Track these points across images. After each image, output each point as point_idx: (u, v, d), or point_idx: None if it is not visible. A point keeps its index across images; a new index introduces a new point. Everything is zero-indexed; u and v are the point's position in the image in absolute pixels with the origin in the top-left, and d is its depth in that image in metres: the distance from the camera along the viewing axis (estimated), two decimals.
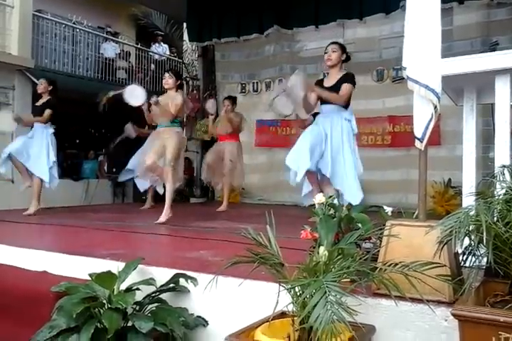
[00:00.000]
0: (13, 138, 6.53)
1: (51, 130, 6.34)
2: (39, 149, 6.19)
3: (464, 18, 7.18)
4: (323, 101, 4.72)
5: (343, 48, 4.66)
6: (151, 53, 12.83)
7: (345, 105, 4.63)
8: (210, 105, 7.07)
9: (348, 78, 4.58)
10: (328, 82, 4.64)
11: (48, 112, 6.20)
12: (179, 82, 5.61)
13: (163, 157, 5.34)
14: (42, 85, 6.41)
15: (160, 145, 5.39)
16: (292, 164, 4.52)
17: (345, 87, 4.52)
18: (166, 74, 5.62)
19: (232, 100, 7.19)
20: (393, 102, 7.07)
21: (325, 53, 4.66)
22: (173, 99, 5.41)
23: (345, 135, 4.57)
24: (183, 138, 5.63)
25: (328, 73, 4.97)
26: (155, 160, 5.28)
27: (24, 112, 7.88)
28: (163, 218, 5.21)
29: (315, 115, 5.07)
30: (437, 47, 2.18)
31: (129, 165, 7.29)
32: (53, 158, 6.26)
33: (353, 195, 4.46)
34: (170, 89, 5.56)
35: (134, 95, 5.31)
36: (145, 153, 5.94)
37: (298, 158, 4.49)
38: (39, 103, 6.43)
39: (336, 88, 4.56)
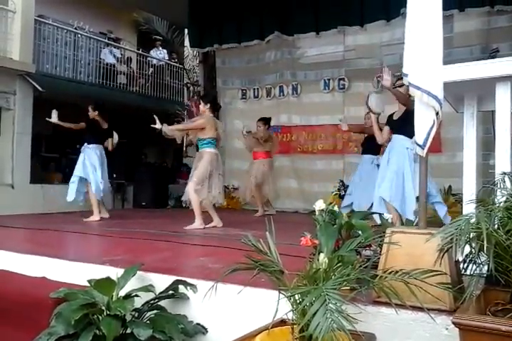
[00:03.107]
0: None
1: (88, 145, 6.67)
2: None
3: (464, 25, 7.21)
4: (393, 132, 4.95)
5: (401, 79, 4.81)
6: (149, 58, 12.85)
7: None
8: None
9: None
10: (396, 115, 4.94)
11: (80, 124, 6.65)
12: (208, 105, 5.76)
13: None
14: (89, 112, 6.70)
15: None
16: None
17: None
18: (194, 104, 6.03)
19: (265, 121, 7.36)
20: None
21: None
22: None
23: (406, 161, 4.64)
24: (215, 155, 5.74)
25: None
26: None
27: (25, 117, 7.92)
28: (189, 226, 5.38)
29: None
30: (439, 54, 2.18)
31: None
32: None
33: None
34: (202, 113, 5.82)
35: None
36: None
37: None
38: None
39: (400, 120, 4.77)
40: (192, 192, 5.43)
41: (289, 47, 8.99)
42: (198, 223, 5.41)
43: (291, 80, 8.96)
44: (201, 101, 5.85)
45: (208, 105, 5.76)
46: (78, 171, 6.43)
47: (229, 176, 8.91)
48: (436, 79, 2.17)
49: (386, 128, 5.03)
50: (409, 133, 4.56)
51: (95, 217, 6.39)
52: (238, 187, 9.07)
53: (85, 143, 6.61)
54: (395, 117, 4.93)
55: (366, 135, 6.41)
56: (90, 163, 6.44)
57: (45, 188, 7.35)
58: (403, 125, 4.52)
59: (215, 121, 5.79)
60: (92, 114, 6.66)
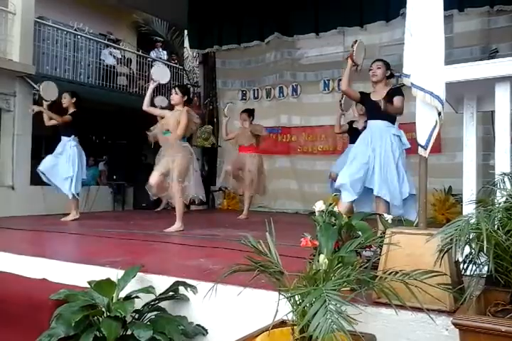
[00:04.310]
0: None
1: (73, 143, 6.52)
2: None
3: (463, 25, 7.21)
4: (371, 117, 4.73)
5: (387, 65, 4.71)
6: (149, 59, 12.85)
7: (393, 120, 4.63)
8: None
9: (398, 91, 4.59)
10: (376, 97, 4.63)
11: (67, 118, 6.42)
12: (186, 97, 5.52)
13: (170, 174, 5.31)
14: (66, 99, 6.55)
15: (168, 162, 5.35)
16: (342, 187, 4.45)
17: (399, 100, 4.51)
18: (172, 91, 5.59)
19: (250, 113, 7.28)
20: None
21: (369, 70, 4.69)
22: (177, 119, 5.36)
23: (396, 152, 4.55)
24: (191, 153, 5.58)
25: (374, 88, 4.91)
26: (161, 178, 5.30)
27: (25, 119, 7.92)
28: (172, 229, 5.21)
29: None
30: (441, 54, 2.18)
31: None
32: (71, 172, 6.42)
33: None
34: (177, 105, 5.50)
35: (162, 74, 5.85)
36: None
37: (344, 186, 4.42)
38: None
39: (383, 103, 4.54)
40: (177, 192, 5.25)
41: (289, 48, 9.00)
42: (178, 225, 5.26)
43: (291, 81, 8.97)
44: (178, 91, 5.49)
45: (186, 97, 5.53)
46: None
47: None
48: (438, 80, 2.17)
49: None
50: (392, 119, 4.59)
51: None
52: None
53: (72, 136, 6.51)
54: (375, 98, 4.65)
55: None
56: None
57: (45, 190, 7.33)
58: (384, 108, 4.42)
59: (192, 114, 5.57)
60: (70, 101, 6.55)
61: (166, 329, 2.28)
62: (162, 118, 5.60)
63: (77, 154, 6.44)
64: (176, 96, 5.46)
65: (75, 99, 6.58)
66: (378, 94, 4.64)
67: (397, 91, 4.62)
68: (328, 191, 6.67)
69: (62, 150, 6.44)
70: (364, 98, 4.76)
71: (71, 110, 6.55)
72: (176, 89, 5.57)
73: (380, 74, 4.64)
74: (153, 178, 5.24)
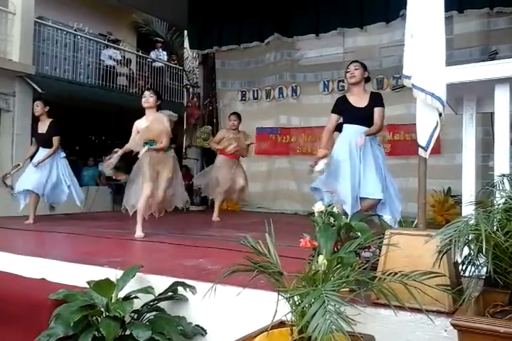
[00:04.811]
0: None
1: (62, 154, 6.48)
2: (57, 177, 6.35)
3: (463, 26, 7.21)
4: (349, 121, 4.57)
5: (364, 66, 4.67)
6: (149, 60, 12.87)
7: (371, 125, 4.57)
8: None
9: (379, 100, 4.53)
10: (358, 102, 4.53)
11: (56, 140, 6.26)
12: (159, 101, 5.18)
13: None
14: (38, 107, 6.38)
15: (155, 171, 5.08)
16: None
17: (380, 113, 4.43)
18: (147, 93, 5.19)
19: (238, 116, 7.09)
20: (393, 111, 7.07)
21: (347, 72, 4.64)
22: (159, 124, 5.05)
23: (379, 155, 4.50)
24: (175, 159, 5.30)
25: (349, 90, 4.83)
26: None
27: (24, 119, 7.92)
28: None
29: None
30: (442, 55, 2.19)
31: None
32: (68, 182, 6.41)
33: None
34: (150, 108, 5.12)
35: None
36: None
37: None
38: (42, 130, 6.35)
39: (368, 110, 4.47)
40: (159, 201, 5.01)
41: (289, 49, 9.00)
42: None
43: (291, 82, 8.97)
44: (153, 95, 5.12)
45: (159, 101, 5.17)
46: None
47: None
48: (439, 81, 2.17)
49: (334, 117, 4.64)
50: (370, 124, 4.51)
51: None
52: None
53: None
54: (357, 104, 4.55)
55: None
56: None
57: None
58: (369, 116, 4.41)
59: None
60: (43, 109, 6.37)
61: (164, 330, 2.28)
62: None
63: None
64: (151, 99, 5.10)
65: (47, 107, 6.39)
66: (360, 100, 4.53)
67: (379, 99, 4.53)
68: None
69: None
70: (343, 107, 4.59)
71: (46, 121, 6.35)
72: (151, 91, 5.23)
73: (359, 74, 4.56)
74: (149, 190, 4.93)
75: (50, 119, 6.38)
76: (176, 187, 5.24)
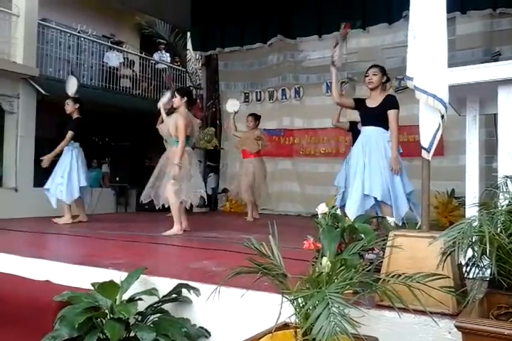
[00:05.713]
0: None
1: (74, 149, 6.49)
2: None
3: (466, 27, 7.21)
4: (365, 123, 4.75)
5: (383, 71, 4.72)
6: (152, 61, 12.88)
7: (387, 127, 4.62)
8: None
9: (391, 103, 4.59)
10: (371, 103, 4.67)
11: (67, 135, 6.35)
12: (185, 99, 5.38)
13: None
14: (69, 105, 6.49)
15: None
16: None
17: (393, 116, 4.53)
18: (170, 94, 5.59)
19: (254, 116, 7.32)
20: (406, 110, 7.09)
21: (365, 76, 4.69)
22: (175, 122, 5.26)
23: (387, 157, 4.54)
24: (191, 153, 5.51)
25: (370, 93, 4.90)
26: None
27: (28, 121, 7.95)
28: (169, 232, 5.12)
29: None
30: (444, 57, 2.19)
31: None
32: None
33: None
34: (178, 108, 5.40)
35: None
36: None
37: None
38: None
39: (379, 110, 4.59)
40: (171, 194, 5.17)
41: (292, 50, 9.01)
42: (176, 228, 5.16)
43: (294, 83, 8.98)
44: (176, 95, 5.39)
45: (185, 98, 5.37)
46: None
47: (231, 179, 8.91)
48: (441, 82, 2.17)
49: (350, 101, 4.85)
50: (386, 125, 4.59)
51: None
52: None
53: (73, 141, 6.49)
54: (370, 105, 4.70)
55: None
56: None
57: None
58: (381, 115, 4.48)
59: (191, 116, 5.48)
60: (73, 107, 6.48)
61: (169, 332, 2.28)
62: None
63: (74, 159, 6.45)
64: (175, 100, 5.39)
65: (78, 104, 6.50)
66: (374, 101, 4.66)
67: (392, 102, 4.61)
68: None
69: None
70: (359, 105, 4.76)
71: (75, 116, 6.49)
72: (176, 93, 5.47)
73: (377, 80, 4.66)
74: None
75: (78, 116, 6.50)
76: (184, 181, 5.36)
